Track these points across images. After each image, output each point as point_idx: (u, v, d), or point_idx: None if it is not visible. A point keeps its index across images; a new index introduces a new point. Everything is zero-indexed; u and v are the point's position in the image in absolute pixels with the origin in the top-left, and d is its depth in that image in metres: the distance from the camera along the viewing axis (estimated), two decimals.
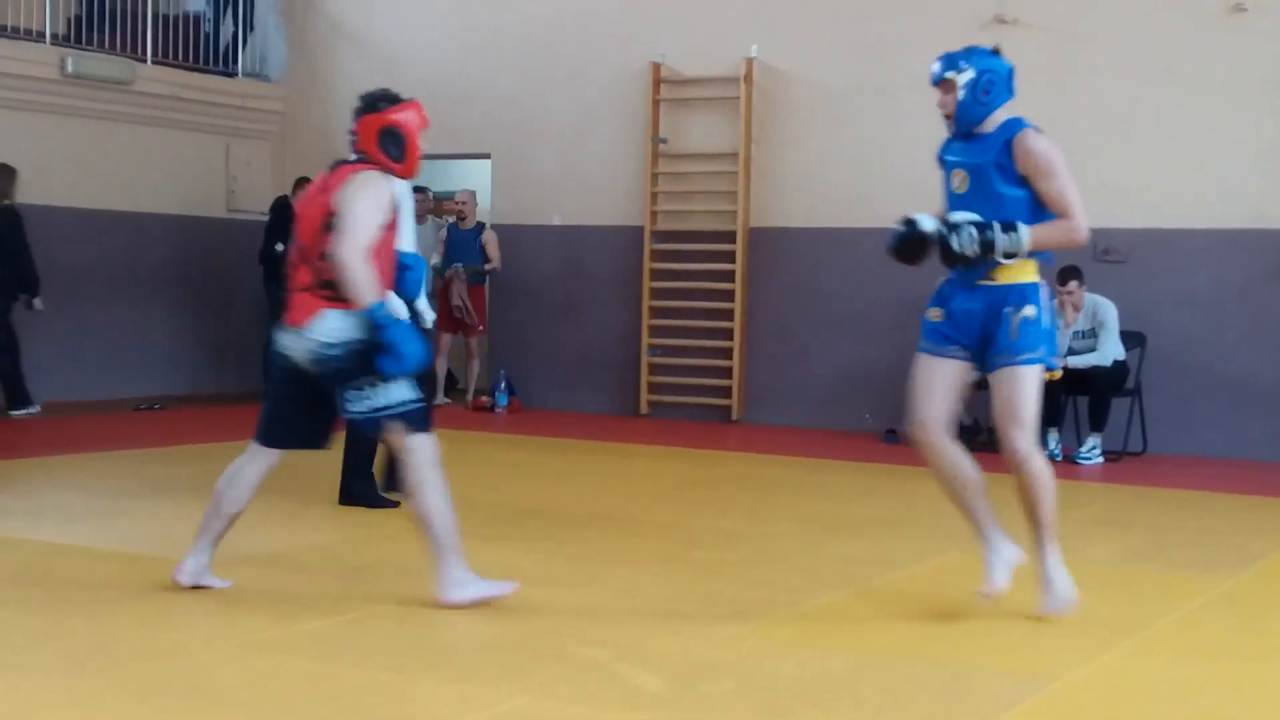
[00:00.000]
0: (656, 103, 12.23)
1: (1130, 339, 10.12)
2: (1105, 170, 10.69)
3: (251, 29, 13.92)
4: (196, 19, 13.85)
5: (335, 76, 13.66)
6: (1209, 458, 10.16)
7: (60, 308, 12.19)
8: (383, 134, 4.96)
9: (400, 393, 4.96)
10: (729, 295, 11.95)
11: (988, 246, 4.85)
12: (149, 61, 12.83)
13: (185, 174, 13.23)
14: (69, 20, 12.82)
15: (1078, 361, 9.77)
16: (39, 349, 12.00)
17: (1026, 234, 4.89)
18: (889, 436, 9.06)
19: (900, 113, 11.13)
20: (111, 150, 12.62)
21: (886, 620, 5.23)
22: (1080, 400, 10.15)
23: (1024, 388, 4.95)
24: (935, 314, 5.10)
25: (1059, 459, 9.76)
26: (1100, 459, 9.76)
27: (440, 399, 12.43)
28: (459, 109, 13.03)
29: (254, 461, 5.18)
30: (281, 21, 14.04)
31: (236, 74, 13.75)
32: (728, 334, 11.96)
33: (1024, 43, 10.97)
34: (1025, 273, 5.00)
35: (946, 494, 5.21)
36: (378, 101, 5.03)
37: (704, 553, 6.33)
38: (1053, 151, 4.97)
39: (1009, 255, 4.86)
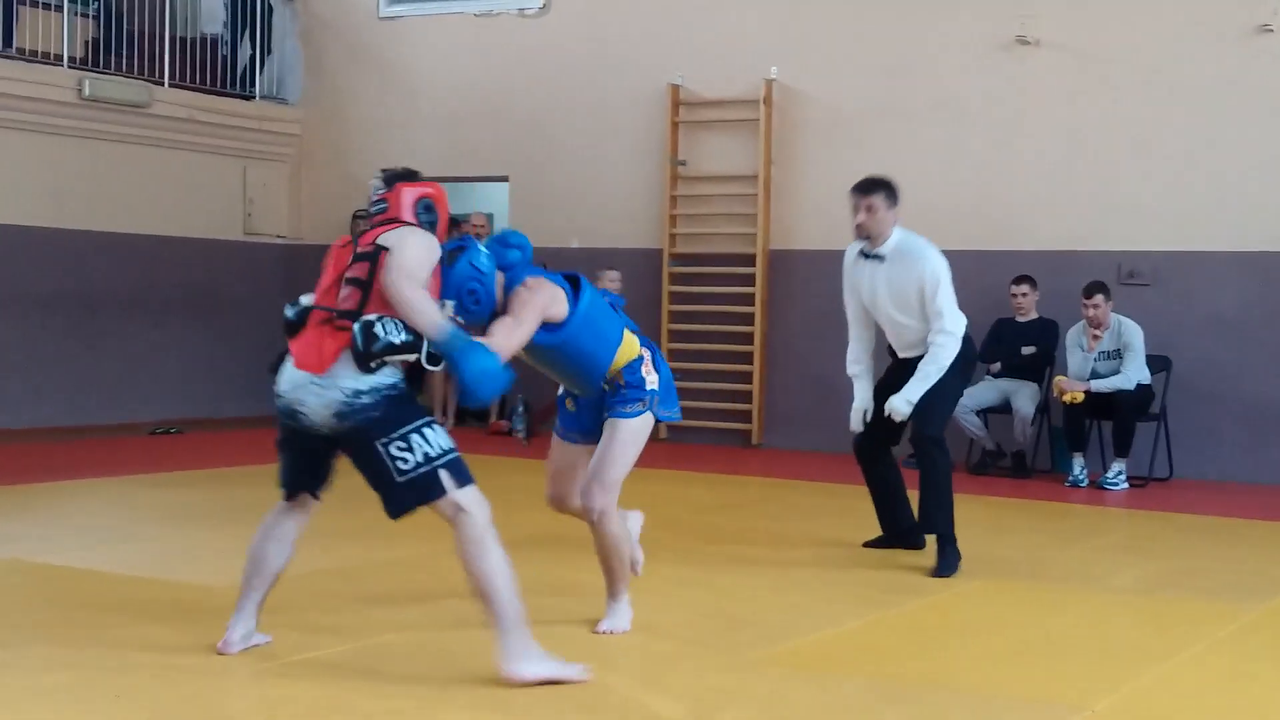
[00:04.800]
0: (675, 125, 12.20)
1: (1155, 363, 10.02)
2: (1128, 192, 10.62)
3: (269, 52, 13.93)
4: (214, 42, 13.86)
5: (353, 99, 13.65)
6: (1235, 483, 10.05)
7: (77, 331, 12.19)
8: (420, 202, 4.64)
9: (442, 440, 4.40)
10: (748, 318, 11.89)
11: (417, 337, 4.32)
12: (166, 84, 12.83)
13: (202, 197, 13.22)
14: (86, 43, 12.83)
15: (1101, 385, 9.67)
16: (55, 371, 11.99)
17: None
18: (909, 461, 8.99)
19: (920, 134, 11.08)
20: (129, 173, 12.62)
21: (909, 648, 5.15)
22: (1104, 425, 10.05)
23: (616, 443, 5.02)
24: (570, 404, 5.22)
25: (1084, 484, 9.67)
26: (1125, 484, 9.66)
27: (451, 422, 12.42)
28: (477, 131, 13.02)
29: (289, 515, 4.74)
30: (299, 44, 14.05)
31: (254, 97, 13.75)
32: (747, 357, 11.89)
33: (1046, 64, 10.94)
34: (628, 357, 5.05)
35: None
36: (411, 173, 4.75)
37: (724, 578, 6.25)
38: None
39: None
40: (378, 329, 4.28)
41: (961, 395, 7.02)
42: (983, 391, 10.25)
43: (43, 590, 5.66)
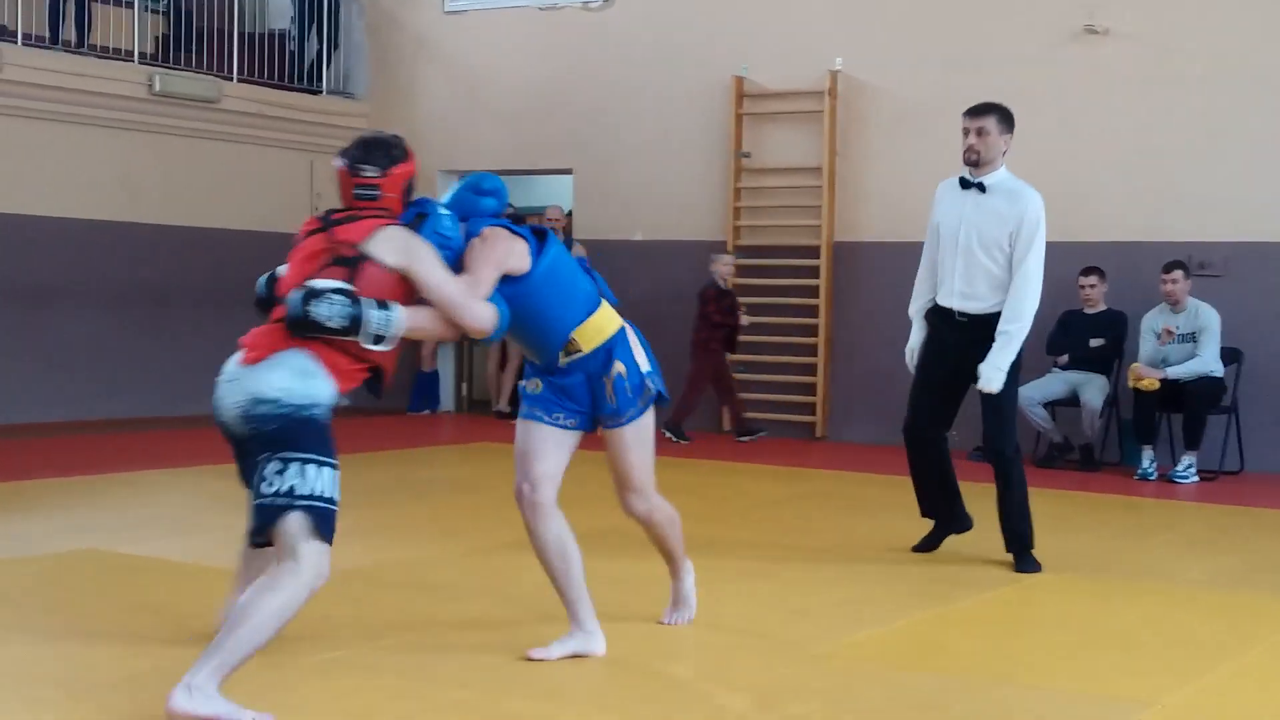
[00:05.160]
0: (739, 117, 12.17)
1: (1226, 355, 9.89)
2: (1198, 183, 10.48)
3: (336, 47, 14.03)
4: (281, 37, 13.99)
5: (418, 93, 13.73)
6: None
7: (148, 324, 12.34)
8: (411, 182, 4.37)
9: (325, 486, 3.95)
10: (813, 310, 11.84)
11: (355, 322, 4.03)
12: (235, 79, 12.96)
13: (269, 190, 13.34)
14: (157, 39, 12.98)
15: (1178, 371, 9.55)
16: (128, 364, 12.14)
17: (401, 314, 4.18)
18: (974, 454, 8.93)
19: None
20: (198, 167, 12.76)
21: (975, 641, 5.12)
22: (1174, 418, 9.93)
23: (627, 452, 4.72)
24: (533, 385, 4.70)
25: (1153, 478, 9.56)
26: (1195, 478, 9.54)
27: (503, 406, 12.48)
28: (542, 124, 13.05)
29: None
30: (365, 39, 14.14)
31: (321, 91, 13.86)
32: (812, 350, 11.85)
33: (1115, 53, 10.81)
34: (605, 330, 4.69)
35: (543, 564, 4.68)
36: (405, 145, 4.43)
37: (788, 571, 6.24)
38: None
39: (379, 338, 4.13)
40: (319, 303, 3.95)
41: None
42: (1050, 384, 10.15)
43: (109, 579, 5.74)
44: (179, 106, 12.42)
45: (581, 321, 4.63)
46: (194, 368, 12.69)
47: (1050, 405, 10.15)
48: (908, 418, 6.56)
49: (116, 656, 4.56)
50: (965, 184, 6.32)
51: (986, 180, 6.25)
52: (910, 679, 4.53)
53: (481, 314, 4.28)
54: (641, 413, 4.72)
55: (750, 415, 11.73)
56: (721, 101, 12.24)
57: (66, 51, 11.83)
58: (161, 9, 13.06)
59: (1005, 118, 6.28)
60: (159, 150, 12.44)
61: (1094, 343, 10.23)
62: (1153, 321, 9.88)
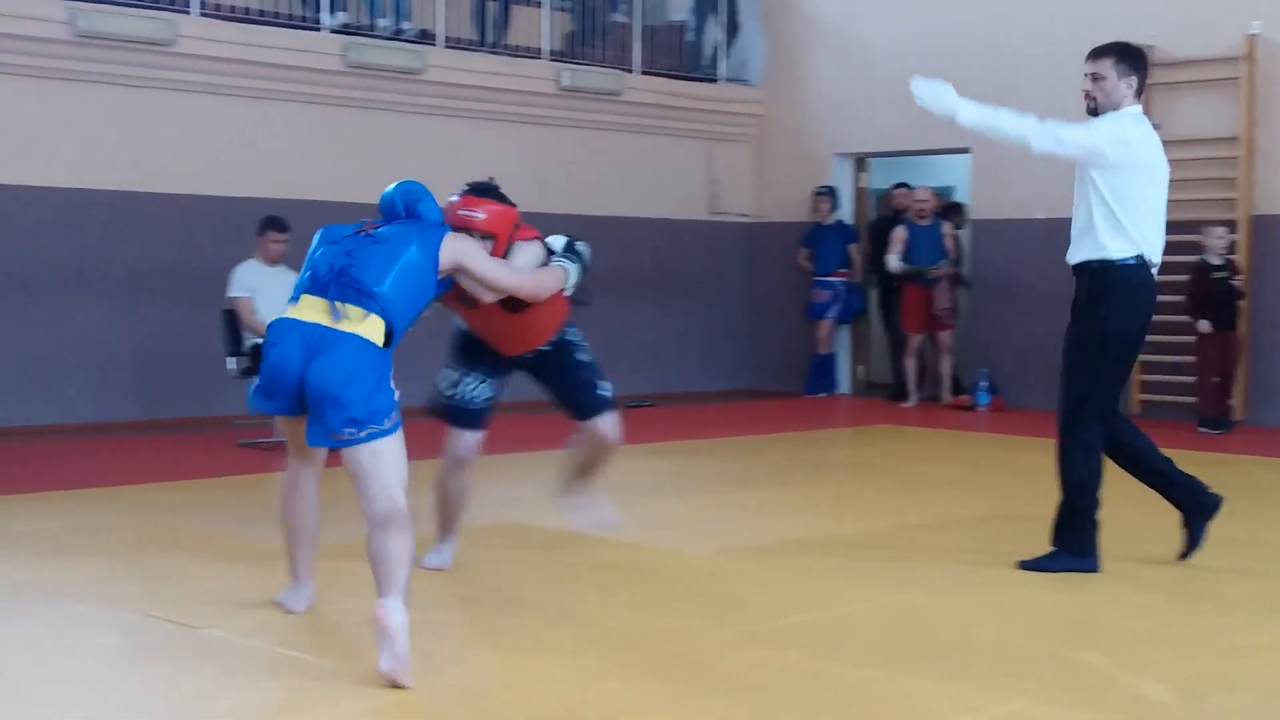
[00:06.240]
0: (1147, 87, 11.64)
1: None
2: None
3: (733, 34, 14.25)
4: (680, 28, 14.32)
5: (812, 78, 13.78)
6: None
7: None
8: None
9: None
10: None
11: None
12: (636, 72, 13.36)
13: (669, 179, 13.69)
14: (564, 36, 13.52)
15: None
16: None
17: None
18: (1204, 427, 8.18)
19: None
20: (602, 158, 13.22)
21: None
22: None
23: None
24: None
25: None
26: None
27: (913, 398, 12.38)
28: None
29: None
30: (761, 26, 14.30)
31: (718, 79, 14.11)
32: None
33: None
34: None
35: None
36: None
37: (1208, 559, 5.96)
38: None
39: None
40: None
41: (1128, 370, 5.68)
42: None
43: (536, 552, 6.04)
44: (585, 100, 12.91)
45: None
46: (599, 352, 13.23)
47: None
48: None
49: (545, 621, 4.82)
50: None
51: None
52: None
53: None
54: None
55: (1155, 399, 11.23)
56: None
57: (482, 51, 12.48)
58: (568, 7, 13.59)
59: (1124, 57, 5.78)
60: (566, 143, 12.96)
61: None
62: None
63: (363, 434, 4.34)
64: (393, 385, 4.49)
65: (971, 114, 5.63)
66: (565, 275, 5.25)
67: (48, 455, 8.95)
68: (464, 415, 5.48)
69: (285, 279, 8.58)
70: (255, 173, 11.07)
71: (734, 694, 4.02)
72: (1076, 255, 5.73)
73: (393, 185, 4.89)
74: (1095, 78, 5.81)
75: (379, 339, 4.45)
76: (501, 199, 5.15)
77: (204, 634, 4.59)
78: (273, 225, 9.41)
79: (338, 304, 4.44)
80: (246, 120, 11.09)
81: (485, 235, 5.02)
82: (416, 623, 4.09)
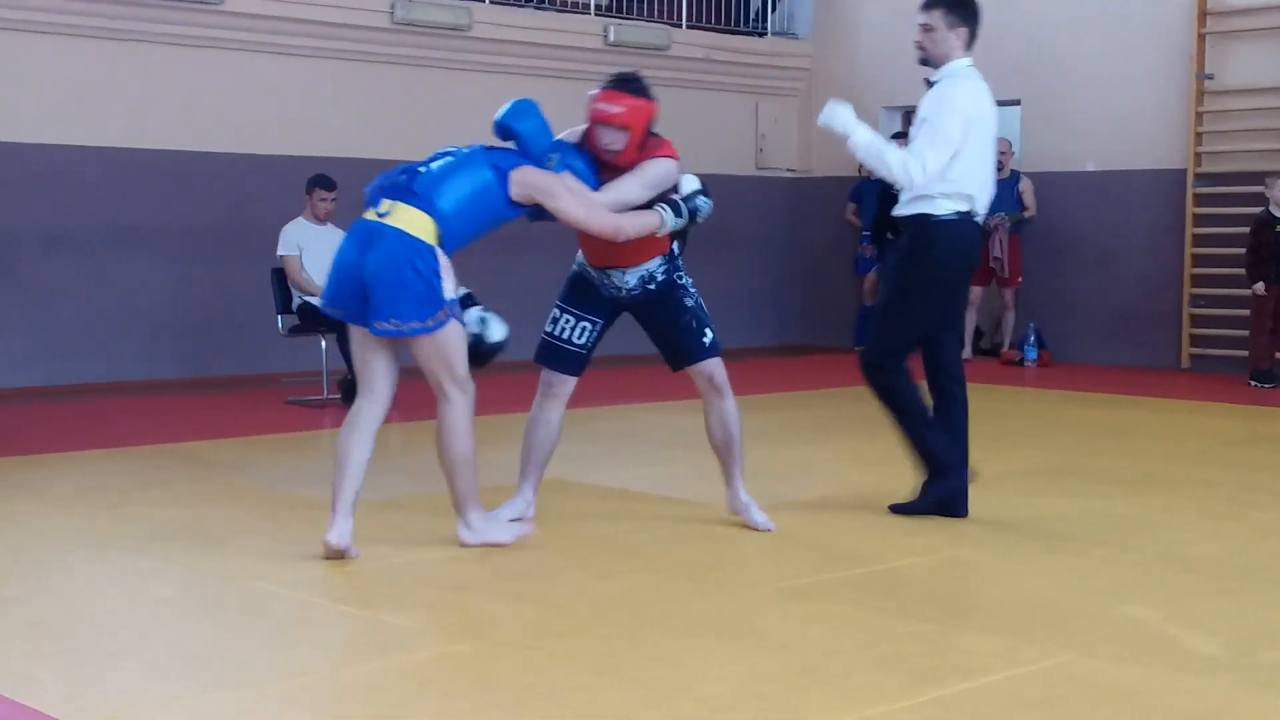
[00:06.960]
0: (1201, 36, 11.51)
1: None
2: None
3: None
4: None
5: (860, 30, 13.65)
6: None
7: None
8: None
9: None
10: None
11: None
12: (684, 26, 13.29)
13: (716, 134, 13.63)
14: None
15: None
16: None
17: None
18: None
19: None
20: None
21: None
22: None
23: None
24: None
25: None
26: None
27: (968, 353, 12.28)
28: (986, 54, 12.45)
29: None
30: None
31: (765, 33, 14.02)
32: None
33: None
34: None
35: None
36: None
37: (1259, 513, 5.93)
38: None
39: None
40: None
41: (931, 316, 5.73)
42: None
43: (584, 506, 6.06)
44: (632, 55, 12.84)
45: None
46: None
47: None
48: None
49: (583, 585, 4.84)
50: (928, 83, 5.94)
51: (934, 77, 5.90)
52: None
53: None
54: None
55: (1206, 352, 11.13)
56: (1182, 20, 11.62)
57: (529, 7, 12.44)
58: None
59: (953, 9, 5.83)
60: None
61: None
62: None
63: (408, 327, 4.73)
64: (444, 282, 4.75)
65: (863, 138, 5.67)
66: (658, 222, 5.19)
67: (100, 413, 9.05)
68: (556, 355, 5.47)
69: (333, 237, 8.61)
70: (304, 131, 11.12)
71: (781, 647, 4.03)
72: (904, 209, 5.76)
73: (507, 104, 5.18)
74: (925, 28, 5.85)
75: (425, 236, 4.77)
76: (642, 93, 5.22)
77: (255, 587, 4.64)
78: (321, 183, 9.45)
79: (385, 201, 4.85)
80: (295, 79, 11.13)
81: (622, 128, 5.15)
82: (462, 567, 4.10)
